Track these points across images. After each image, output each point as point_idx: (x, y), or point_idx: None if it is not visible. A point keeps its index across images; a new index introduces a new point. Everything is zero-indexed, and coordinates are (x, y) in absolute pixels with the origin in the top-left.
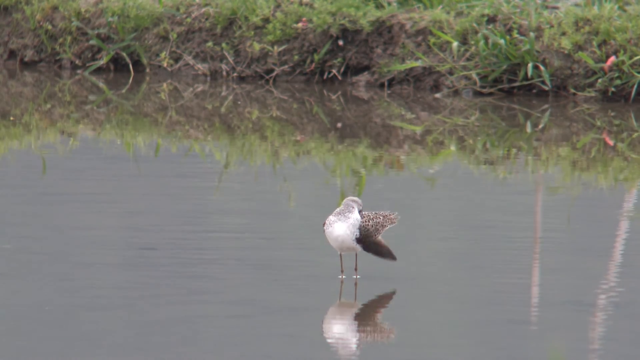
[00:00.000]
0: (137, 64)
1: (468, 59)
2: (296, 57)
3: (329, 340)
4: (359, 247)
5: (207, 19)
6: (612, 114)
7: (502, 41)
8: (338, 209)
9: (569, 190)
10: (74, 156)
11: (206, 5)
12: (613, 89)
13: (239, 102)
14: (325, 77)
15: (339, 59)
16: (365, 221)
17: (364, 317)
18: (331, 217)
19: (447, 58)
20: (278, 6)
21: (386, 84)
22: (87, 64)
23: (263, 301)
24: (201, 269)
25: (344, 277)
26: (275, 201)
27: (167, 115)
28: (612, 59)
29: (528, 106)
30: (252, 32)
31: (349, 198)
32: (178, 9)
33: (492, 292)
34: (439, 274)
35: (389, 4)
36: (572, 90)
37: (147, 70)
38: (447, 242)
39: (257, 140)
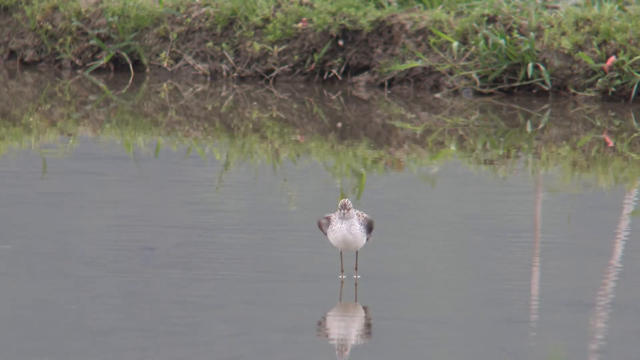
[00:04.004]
0: (137, 64)
1: (468, 59)
2: (296, 57)
3: (328, 341)
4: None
5: (207, 19)
6: (612, 114)
7: (502, 41)
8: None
9: (569, 190)
10: (74, 156)
11: (206, 5)
12: (613, 89)
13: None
14: (325, 77)
15: (339, 59)
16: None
17: (364, 317)
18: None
19: (447, 58)
20: (278, 6)
21: (386, 84)
22: (87, 64)
23: (263, 301)
24: (201, 269)
25: (344, 277)
26: (275, 201)
27: (167, 115)
28: (612, 59)
29: (528, 106)
30: (252, 32)
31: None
32: (178, 9)
33: (492, 292)
34: (439, 274)
35: (389, 4)
36: (572, 90)
37: (147, 70)
38: (447, 242)
39: (257, 140)
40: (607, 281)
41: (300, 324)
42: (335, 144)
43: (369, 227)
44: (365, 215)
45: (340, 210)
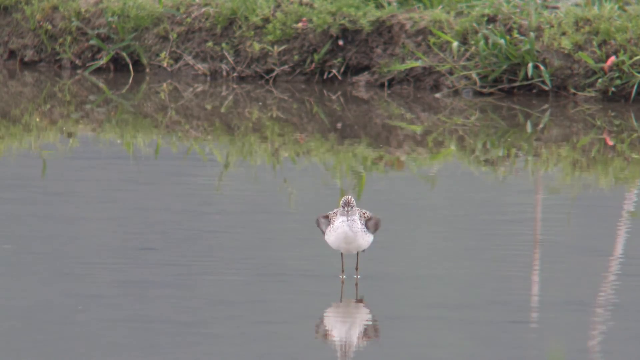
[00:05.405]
0: (137, 64)
1: (468, 59)
2: (296, 57)
3: (329, 340)
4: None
5: (207, 19)
6: (612, 114)
7: (502, 41)
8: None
9: (569, 190)
10: (74, 156)
11: (206, 5)
12: (613, 89)
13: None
14: (325, 77)
15: (339, 59)
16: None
17: (364, 317)
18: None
19: (447, 58)
20: (278, 6)
21: (386, 84)
22: (87, 64)
23: (263, 301)
24: (201, 269)
25: (344, 276)
26: (275, 201)
27: (167, 115)
28: (612, 59)
29: (528, 106)
30: (252, 32)
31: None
32: (178, 9)
33: (492, 292)
34: (439, 274)
35: (389, 4)
36: (572, 90)
37: (147, 70)
38: (447, 242)
39: (257, 140)
40: (607, 281)
41: (301, 323)
42: (335, 144)
43: (375, 227)
44: (370, 214)
45: (343, 207)
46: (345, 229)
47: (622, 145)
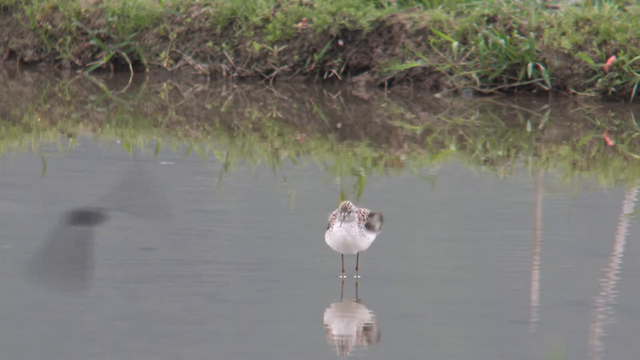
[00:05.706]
0: (137, 64)
1: (468, 59)
2: (296, 57)
3: (329, 340)
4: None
5: (207, 19)
6: (612, 114)
7: (502, 41)
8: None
9: (569, 190)
10: (74, 156)
11: (206, 5)
12: (613, 89)
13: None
14: (325, 77)
15: (339, 59)
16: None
17: (364, 317)
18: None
19: (447, 58)
20: (278, 6)
21: (386, 84)
22: (87, 64)
23: (263, 301)
24: (201, 269)
25: (344, 277)
26: (275, 201)
27: (167, 115)
28: (612, 59)
29: (528, 106)
30: (252, 32)
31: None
32: (178, 9)
33: (492, 292)
34: (439, 274)
35: (389, 4)
36: (572, 90)
37: (147, 70)
38: (447, 242)
39: (257, 140)
40: (607, 281)
41: (301, 323)
42: (335, 144)
43: (380, 220)
44: (369, 211)
45: (341, 212)
46: (344, 234)
47: (622, 145)
